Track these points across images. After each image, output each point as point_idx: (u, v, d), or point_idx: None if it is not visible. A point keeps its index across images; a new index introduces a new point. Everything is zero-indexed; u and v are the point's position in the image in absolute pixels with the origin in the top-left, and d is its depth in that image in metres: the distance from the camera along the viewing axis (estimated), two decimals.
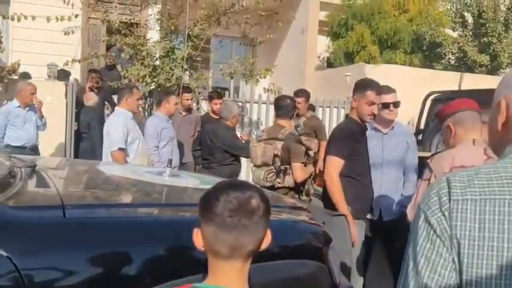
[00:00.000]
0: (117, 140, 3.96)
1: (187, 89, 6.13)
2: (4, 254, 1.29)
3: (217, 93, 6.18)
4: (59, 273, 1.37)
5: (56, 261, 1.38)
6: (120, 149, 3.95)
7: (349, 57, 10.05)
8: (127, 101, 4.14)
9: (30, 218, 1.46)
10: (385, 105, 3.34)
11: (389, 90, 3.41)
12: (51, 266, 1.37)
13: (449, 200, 0.86)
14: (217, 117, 5.30)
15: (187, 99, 5.89)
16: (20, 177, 1.78)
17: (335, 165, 3.12)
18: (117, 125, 4.02)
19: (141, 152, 4.19)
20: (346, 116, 3.63)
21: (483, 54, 9.64)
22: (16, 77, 6.54)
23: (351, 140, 3.17)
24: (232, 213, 1.14)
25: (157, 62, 6.91)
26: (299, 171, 3.65)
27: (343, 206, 3.04)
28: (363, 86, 3.22)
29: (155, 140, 4.72)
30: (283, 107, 3.90)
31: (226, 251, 1.16)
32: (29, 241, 1.38)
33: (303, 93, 5.53)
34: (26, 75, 6.78)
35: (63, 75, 7.16)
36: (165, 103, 4.93)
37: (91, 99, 6.64)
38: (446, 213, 0.86)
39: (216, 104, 5.75)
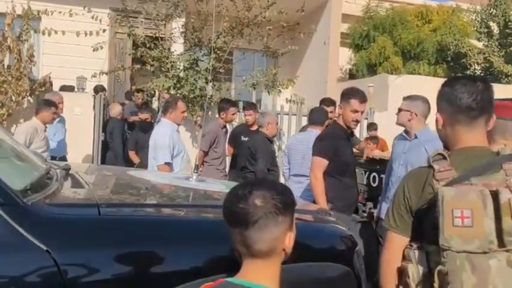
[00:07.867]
0: (164, 154, 3.93)
1: (233, 103, 5.55)
2: (44, 248, 1.36)
3: (251, 104, 5.94)
4: (94, 267, 1.43)
5: (91, 255, 1.44)
6: (166, 163, 3.90)
7: (372, 69, 10.03)
8: (171, 114, 4.14)
9: (68, 216, 1.53)
10: None
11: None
12: (87, 260, 1.43)
13: None
14: (252, 128, 5.37)
15: (234, 114, 5.41)
16: (57, 178, 1.86)
17: (319, 164, 3.37)
18: (164, 137, 3.99)
19: (186, 165, 4.16)
20: (333, 121, 3.84)
21: (510, 65, 9.48)
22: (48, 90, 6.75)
23: (333, 142, 3.40)
24: (235, 207, 1.17)
25: (181, 74, 7.06)
26: None
27: (322, 201, 3.25)
28: (347, 94, 3.42)
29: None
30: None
31: (238, 246, 1.20)
32: (67, 237, 1.45)
33: (330, 102, 5.29)
34: (62, 89, 7.06)
35: (99, 89, 7.41)
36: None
37: (114, 108, 6.86)
38: None
39: (246, 115, 5.59)
